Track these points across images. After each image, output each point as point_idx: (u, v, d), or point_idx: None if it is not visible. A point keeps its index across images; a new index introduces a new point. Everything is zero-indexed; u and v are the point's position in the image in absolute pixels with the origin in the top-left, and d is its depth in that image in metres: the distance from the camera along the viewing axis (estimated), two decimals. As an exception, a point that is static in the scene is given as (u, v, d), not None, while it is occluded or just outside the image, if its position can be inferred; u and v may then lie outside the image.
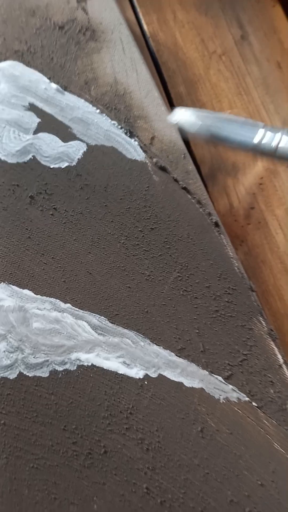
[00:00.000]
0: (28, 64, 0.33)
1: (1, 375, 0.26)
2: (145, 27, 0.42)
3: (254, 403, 0.29)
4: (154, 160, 0.33)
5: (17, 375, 0.26)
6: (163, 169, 0.33)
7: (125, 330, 0.28)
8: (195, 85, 0.42)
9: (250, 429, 0.28)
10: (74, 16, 0.35)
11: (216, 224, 0.33)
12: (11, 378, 0.26)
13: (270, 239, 0.37)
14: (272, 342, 0.30)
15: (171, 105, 0.40)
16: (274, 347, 0.30)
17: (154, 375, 0.28)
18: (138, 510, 0.25)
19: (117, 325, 0.28)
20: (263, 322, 0.31)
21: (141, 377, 0.27)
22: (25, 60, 0.33)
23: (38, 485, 0.24)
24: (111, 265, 0.29)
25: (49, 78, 0.33)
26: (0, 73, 0.32)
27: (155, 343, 0.28)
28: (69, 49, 0.34)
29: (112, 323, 0.28)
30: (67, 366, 0.27)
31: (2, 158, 0.30)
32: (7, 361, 0.26)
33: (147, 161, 0.33)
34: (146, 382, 0.27)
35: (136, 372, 0.27)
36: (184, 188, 0.33)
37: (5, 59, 0.32)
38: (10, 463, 0.25)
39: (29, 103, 0.32)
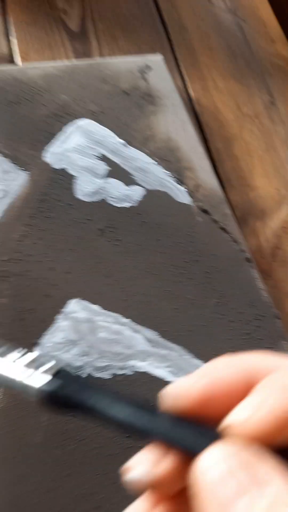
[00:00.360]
0: (100, 122, 0.40)
1: (73, 374, 0.31)
2: (191, 93, 0.50)
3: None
4: (199, 204, 0.40)
5: (87, 375, 0.32)
6: (205, 211, 0.40)
7: (173, 345, 0.34)
8: (231, 142, 0.49)
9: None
10: (137, 84, 0.43)
11: (248, 260, 0.39)
12: (82, 377, 0.31)
13: (292, 276, 0.43)
14: (294, 363, 0.36)
15: (211, 158, 0.47)
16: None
17: (196, 383, 0.33)
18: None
19: (166, 340, 0.34)
20: (286, 346, 0.36)
21: (185, 383, 0.33)
22: (98, 119, 0.40)
23: (99, 469, 0.30)
24: (161, 289, 0.36)
25: (117, 135, 0.40)
26: (79, 129, 0.39)
27: (197, 358, 0.34)
28: (132, 111, 0.42)
29: (162, 337, 0.34)
30: (125, 371, 0.32)
31: (79, 197, 0.37)
32: (79, 363, 0.32)
33: (192, 205, 0.40)
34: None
35: (181, 379, 0.33)
36: (222, 228, 0.40)
37: (82, 117, 0.40)
38: (78, 448, 0.30)
39: (101, 154, 0.39)
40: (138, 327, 0.34)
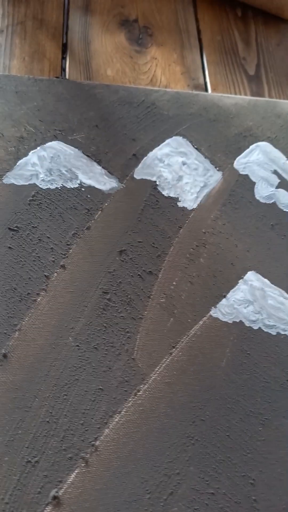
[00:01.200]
0: (274, 145, 0.51)
1: (249, 325, 0.40)
2: None
3: None
4: None
5: (258, 328, 0.40)
6: None
7: None
8: None
9: None
10: (303, 123, 0.54)
11: None
12: (254, 328, 0.40)
13: None
14: None
15: None
16: None
17: None
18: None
19: None
20: None
21: None
22: (273, 143, 0.51)
23: (256, 400, 0.38)
24: (316, 279, 0.44)
25: (286, 158, 0.50)
26: (259, 148, 0.50)
27: None
28: (298, 142, 0.52)
29: (315, 314, 0.42)
30: (286, 332, 0.41)
31: (257, 198, 0.47)
32: (253, 317, 0.41)
33: None
34: None
35: None
36: None
37: (262, 140, 0.50)
38: (249, 380, 0.38)
39: (274, 169, 0.49)
40: (297, 303, 0.42)
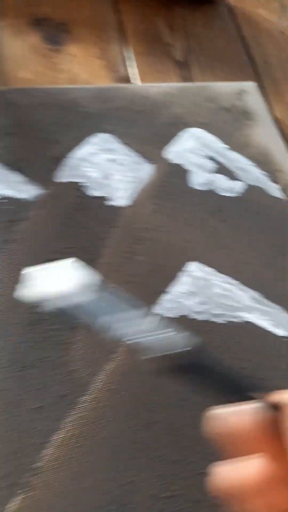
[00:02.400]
0: (207, 131, 0.49)
1: (195, 317, 0.39)
2: (277, 115, 0.59)
3: None
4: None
5: (204, 319, 0.39)
6: (293, 205, 0.48)
7: (274, 304, 0.41)
8: (308, 156, 0.57)
9: None
10: (235, 104, 0.53)
11: None
12: (200, 319, 0.39)
13: None
14: None
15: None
16: None
17: (292, 335, 0.40)
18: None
19: (268, 300, 0.41)
20: None
21: (282, 335, 0.40)
22: (206, 128, 0.49)
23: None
24: (262, 261, 0.43)
25: (221, 141, 0.49)
26: (192, 135, 0.48)
27: (293, 315, 0.41)
28: (232, 124, 0.51)
29: (265, 298, 0.41)
30: (235, 320, 0.40)
31: (193, 186, 0.45)
32: (198, 309, 0.39)
33: (283, 198, 0.48)
34: (285, 339, 0.40)
35: (280, 332, 0.40)
36: (309, 219, 0.47)
37: (193, 127, 0.49)
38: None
39: (209, 155, 0.48)
40: (245, 287, 0.41)
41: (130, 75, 0.55)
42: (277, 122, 0.58)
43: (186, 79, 0.57)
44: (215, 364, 0.21)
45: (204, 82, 0.57)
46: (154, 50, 0.58)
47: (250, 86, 0.55)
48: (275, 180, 0.48)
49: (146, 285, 0.39)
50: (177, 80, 0.57)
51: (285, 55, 0.65)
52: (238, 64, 0.61)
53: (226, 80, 0.59)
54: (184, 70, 0.58)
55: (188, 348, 0.20)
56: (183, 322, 0.38)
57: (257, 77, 0.62)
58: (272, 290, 0.42)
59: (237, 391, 0.20)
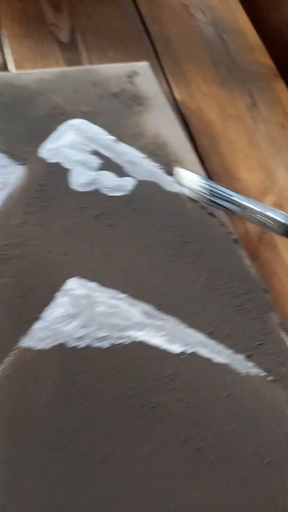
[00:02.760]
0: (92, 121, 0.43)
1: (73, 344, 0.33)
2: (177, 96, 0.53)
3: (269, 378, 0.36)
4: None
5: (85, 345, 0.34)
6: (193, 199, 0.43)
7: (167, 316, 0.36)
8: (216, 140, 0.53)
9: (267, 397, 0.35)
10: (125, 88, 0.47)
11: (236, 241, 0.41)
12: (80, 347, 0.33)
13: (280, 257, 0.45)
14: (282, 332, 0.38)
15: (198, 154, 0.51)
16: (284, 336, 0.38)
17: (189, 351, 0.35)
18: (178, 453, 0.32)
19: (161, 312, 0.36)
20: (274, 316, 0.39)
21: (179, 352, 0.35)
22: (90, 118, 0.43)
23: (99, 429, 0.31)
24: (155, 267, 0.38)
25: (108, 132, 0.43)
26: (72, 127, 0.42)
27: (191, 327, 0.36)
28: (121, 111, 0.45)
29: (157, 310, 0.36)
30: (123, 341, 0.34)
31: (74, 187, 0.39)
32: (78, 334, 0.34)
33: (181, 193, 0.42)
34: (183, 356, 0.35)
35: (176, 348, 0.35)
36: (210, 213, 0.42)
37: (75, 117, 0.43)
38: (81, 410, 0.32)
39: (93, 149, 0.42)
40: (134, 301, 0.36)
41: (7, 62, 0.48)
42: (178, 105, 0.53)
43: (74, 63, 0.51)
44: None
45: (94, 64, 0.51)
46: (35, 32, 0.51)
47: (143, 66, 0.49)
48: (170, 173, 0.43)
49: (14, 313, 0.33)
50: (63, 64, 0.50)
51: (187, 31, 0.60)
52: (135, 43, 0.55)
53: (122, 62, 0.52)
54: (71, 53, 0.51)
55: None
56: (59, 352, 0.33)
57: (156, 56, 0.56)
58: (166, 300, 0.37)
59: None
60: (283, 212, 0.32)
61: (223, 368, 0.35)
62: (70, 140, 0.42)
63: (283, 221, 0.32)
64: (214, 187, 0.34)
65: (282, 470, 0.33)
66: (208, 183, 0.35)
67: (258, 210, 0.32)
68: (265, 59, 0.62)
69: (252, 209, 0.32)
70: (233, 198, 0.33)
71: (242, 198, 0.33)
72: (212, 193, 0.34)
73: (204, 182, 0.36)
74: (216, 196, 0.34)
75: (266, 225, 0.32)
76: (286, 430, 0.34)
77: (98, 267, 0.37)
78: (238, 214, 0.34)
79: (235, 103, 0.56)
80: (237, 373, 0.35)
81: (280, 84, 0.60)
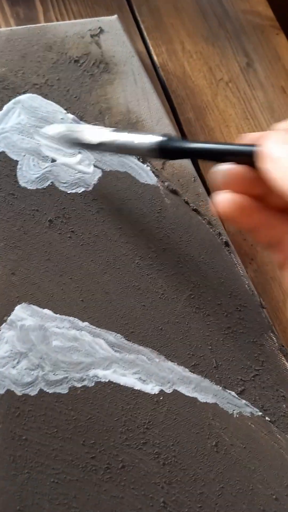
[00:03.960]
0: (45, 96, 0.35)
1: (23, 391, 0.27)
2: (155, 58, 0.44)
3: (267, 418, 0.29)
4: (166, 183, 0.35)
5: (38, 391, 0.27)
6: (174, 192, 0.35)
7: (141, 347, 0.29)
8: (204, 111, 0.44)
9: (264, 443, 0.29)
10: (88, 50, 0.38)
11: (226, 244, 0.34)
12: (32, 394, 0.27)
13: (279, 258, 0.38)
14: (283, 358, 0.31)
15: (181, 131, 0.42)
16: (286, 362, 0.31)
17: (169, 391, 0.29)
18: (155, 524, 0.26)
19: (133, 342, 0.29)
20: (274, 338, 0.32)
21: (157, 392, 0.28)
22: (43, 92, 0.35)
23: (59, 499, 0.25)
24: (126, 284, 0.31)
25: (66, 109, 0.35)
26: (19, 105, 0.34)
27: (170, 360, 0.29)
28: (84, 81, 0.36)
29: (128, 340, 0.29)
30: (85, 383, 0.28)
31: (22, 184, 0.32)
32: (29, 378, 0.27)
33: (159, 185, 0.34)
34: (161, 398, 0.28)
35: (152, 388, 0.28)
36: (195, 210, 0.35)
37: (24, 92, 0.34)
38: (32, 478, 0.25)
39: (47, 133, 0.33)
40: (99, 330, 0.29)
41: None
42: (157, 69, 0.44)
43: (27, 20, 0.41)
44: None
45: (53, 22, 0.41)
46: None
47: (111, 21, 0.40)
48: (144, 159, 0.35)
49: None
50: (12, 23, 0.41)
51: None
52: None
53: (86, 17, 0.43)
54: (22, 7, 0.41)
55: None
56: (6, 402, 0.26)
57: (129, 7, 0.46)
58: (138, 326, 0.30)
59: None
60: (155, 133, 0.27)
61: (210, 410, 0.29)
62: (17, 122, 0.33)
63: (157, 139, 0.26)
64: (71, 137, 0.31)
65: (281, 536, 0.27)
66: (67, 132, 0.31)
67: (124, 140, 0.28)
68: (263, 8, 0.52)
69: (119, 142, 0.28)
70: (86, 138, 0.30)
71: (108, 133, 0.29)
72: (73, 143, 0.31)
73: (64, 132, 0.32)
74: (78, 144, 0.31)
75: (140, 151, 0.28)
76: (287, 484, 0.28)
77: (53, 288, 0.29)
78: (115, 152, 0.31)
79: (227, 64, 0.47)
80: (228, 415, 0.29)
81: (281, 38, 0.50)
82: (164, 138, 0.25)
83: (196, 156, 0.26)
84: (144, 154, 0.27)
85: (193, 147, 0.24)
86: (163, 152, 0.25)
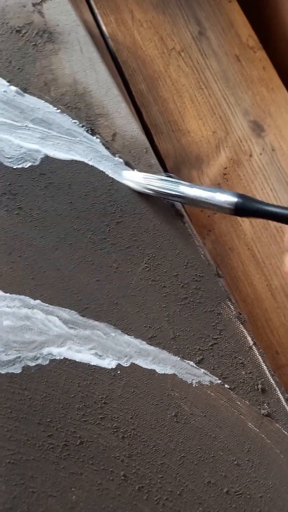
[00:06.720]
0: (-14, 68, 0.33)
1: (-26, 374, 0.26)
2: (103, 28, 0.43)
3: (226, 385, 0.29)
4: (117, 155, 0.34)
5: (-10, 373, 0.26)
6: (126, 164, 0.34)
7: (96, 322, 0.29)
8: (156, 82, 0.43)
9: (224, 411, 0.29)
10: (30, 20, 0.36)
11: (180, 215, 0.33)
12: (-17, 376, 0.26)
13: (236, 227, 0.38)
14: (241, 325, 0.31)
15: (133, 102, 0.41)
16: (244, 330, 0.31)
17: (126, 364, 0.28)
18: (116, 498, 0.25)
19: (88, 318, 0.29)
20: (231, 306, 0.32)
21: (114, 367, 0.28)
22: (-17, 64, 0.33)
23: (15, 480, 0.25)
24: (79, 260, 0.30)
25: (8, 81, 0.33)
26: None
27: (126, 333, 0.29)
28: (27, 52, 0.35)
29: (82, 316, 0.29)
30: (39, 361, 0.27)
31: None
32: (-21, 360, 0.26)
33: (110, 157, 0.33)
34: (119, 372, 0.28)
35: (109, 363, 0.28)
36: (148, 182, 0.34)
37: None
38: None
39: (-11, 106, 0.32)
40: (52, 307, 0.28)
41: None
42: (106, 39, 0.42)
43: None
44: None
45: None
46: None
47: (54, -11, 0.38)
48: (94, 131, 0.34)
49: None
50: None
51: None
52: None
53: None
54: None
55: None
56: None
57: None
58: (93, 302, 0.29)
59: None
60: (231, 191, 0.28)
61: (169, 381, 0.28)
62: None
63: (234, 199, 0.28)
64: (157, 186, 0.31)
65: (242, 499, 0.27)
66: (151, 181, 0.32)
67: (205, 196, 0.29)
68: (215, -26, 0.51)
69: (199, 197, 0.30)
70: (178, 190, 0.31)
71: (187, 188, 0.30)
72: (157, 192, 0.32)
73: (148, 180, 0.32)
74: (161, 193, 0.32)
75: (219, 208, 0.29)
76: (248, 448, 0.28)
77: (2, 267, 0.28)
78: (190, 204, 0.31)
79: (179, 32, 0.46)
80: (187, 385, 0.29)
81: (234, 5, 0.49)
82: (240, 200, 0.28)
83: (271, 218, 0.27)
84: (219, 210, 0.29)
85: (269, 210, 0.27)
86: (239, 211, 0.28)
